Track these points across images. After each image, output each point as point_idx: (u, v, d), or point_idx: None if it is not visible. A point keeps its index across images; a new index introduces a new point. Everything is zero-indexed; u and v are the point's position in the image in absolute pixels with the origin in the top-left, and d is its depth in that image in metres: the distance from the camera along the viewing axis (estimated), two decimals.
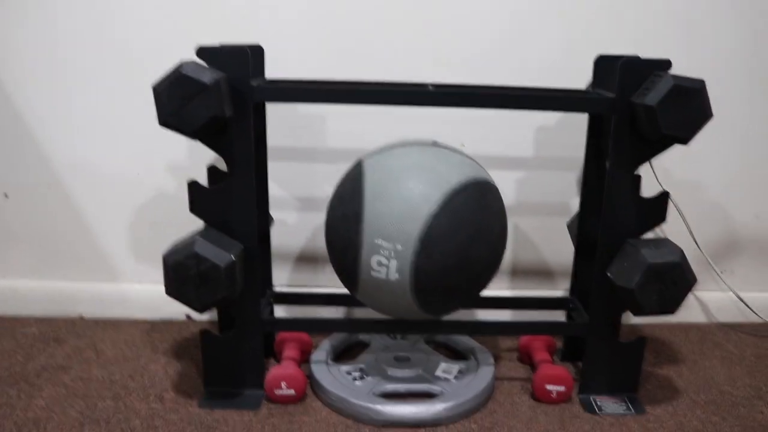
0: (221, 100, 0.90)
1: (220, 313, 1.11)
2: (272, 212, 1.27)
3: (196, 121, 0.90)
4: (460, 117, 1.25)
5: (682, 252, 0.98)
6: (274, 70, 1.19)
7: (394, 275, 0.93)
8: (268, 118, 1.21)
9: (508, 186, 1.29)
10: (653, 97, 0.91)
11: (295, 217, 1.29)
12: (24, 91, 1.24)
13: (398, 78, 1.22)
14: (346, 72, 1.22)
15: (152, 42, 1.21)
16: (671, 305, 0.99)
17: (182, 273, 0.94)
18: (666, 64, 0.95)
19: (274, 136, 1.24)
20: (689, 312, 1.40)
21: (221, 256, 0.94)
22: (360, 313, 1.31)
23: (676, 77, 0.91)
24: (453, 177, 0.95)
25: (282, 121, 1.24)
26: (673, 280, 0.97)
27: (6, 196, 1.30)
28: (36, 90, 1.24)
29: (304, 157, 1.26)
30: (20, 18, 1.19)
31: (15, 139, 1.26)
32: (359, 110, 1.23)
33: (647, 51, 1.22)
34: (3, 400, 1.05)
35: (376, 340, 1.21)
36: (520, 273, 1.34)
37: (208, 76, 0.89)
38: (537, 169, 1.28)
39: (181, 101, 0.89)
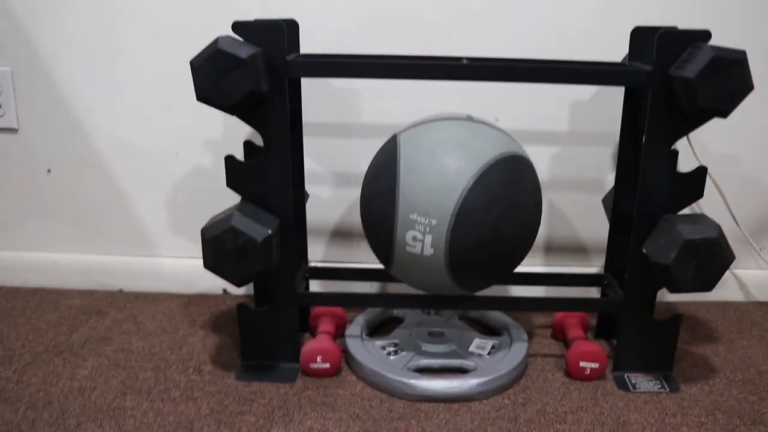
0: (258, 74, 0.90)
1: (256, 288, 1.12)
2: (308, 188, 1.28)
3: (234, 95, 0.91)
4: (495, 91, 1.24)
5: (719, 228, 0.97)
6: (310, 45, 1.20)
7: (429, 250, 0.94)
8: (303, 94, 1.22)
9: (542, 161, 1.28)
10: (692, 69, 0.89)
11: (331, 193, 1.30)
12: (66, 71, 1.26)
13: (432, 52, 1.21)
14: (381, 47, 1.22)
15: (189, 18, 1.22)
16: (708, 282, 0.98)
17: (220, 247, 0.96)
18: (705, 35, 0.93)
19: (309, 112, 1.25)
20: (727, 290, 1.38)
21: (258, 230, 0.96)
22: (394, 288, 1.32)
23: (715, 48, 0.89)
24: (488, 151, 0.95)
25: (317, 97, 1.25)
26: (710, 256, 0.96)
27: (49, 171, 1.33)
28: (78, 69, 1.26)
29: (340, 133, 1.27)
30: None
31: (57, 116, 1.29)
32: (394, 85, 1.23)
33: (687, 22, 1.20)
34: (50, 369, 1.08)
35: (410, 315, 1.22)
36: (554, 249, 1.34)
37: (244, 50, 0.89)
38: (572, 144, 1.27)
39: (218, 76, 0.90)
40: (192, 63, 0.91)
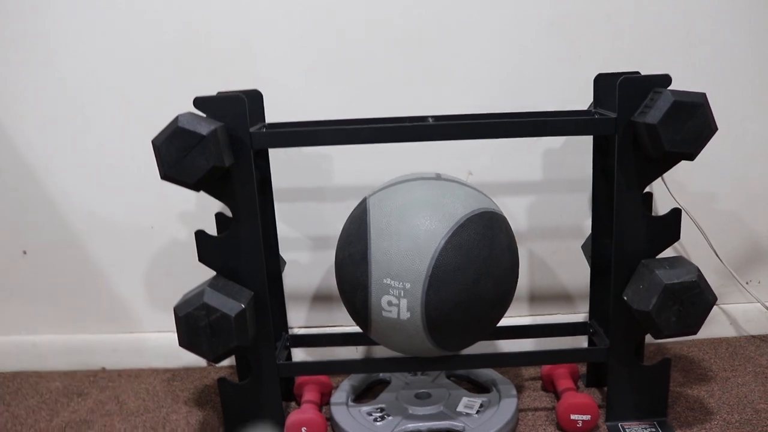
0: (220, 149, 0.90)
1: (238, 360, 1.10)
2: (284, 254, 1.27)
3: (197, 172, 0.90)
4: (467, 145, 1.24)
5: (698, 270, 0.96)
6: (277, 112, 1.20)
7: (405, 314, 0.92)
8: (275, 161, 1.22)
9: (519, 212, 1.27)
10: (654, 115, 0.90)
11: (308, 257, 1.29)
12: (38, 149, 1.26)
13: (399, 110, 1.22)
14: (350, 110, 1.22)
15: (157, 93, 1.22)
16: (692, 326, 0.96)
17: (194, 325, 0.94)
18: (665, 79, 0.94)
19: (281, 178, 1.25)
20: (717, 326, 1.36)
21: (231, 305, 0.94)
22: (380, 350, 1.30)
23: (675, 93, 0.89)
24: (458, 210, 0.94)
25: (289, 162, 1.25)
26: (692, 300, 0.95)
27: (24, 253, 1.32)
28: (50, 146, 1.26)
29: (313, 197, 1.26)
30: (28, 74, 1.22)
31: (31, 196, 1.29)
32: (365, 147, 1.23)
33: (650, 67, 1.20)
34: None
35: (397, 377, 1.20)
36: (539, 299, 1.32)
37: (204, 127, 0.89)
38: (548, 193, 1.27)
39: (180, 154, 0.89)
40: (154, 142, 0.90)
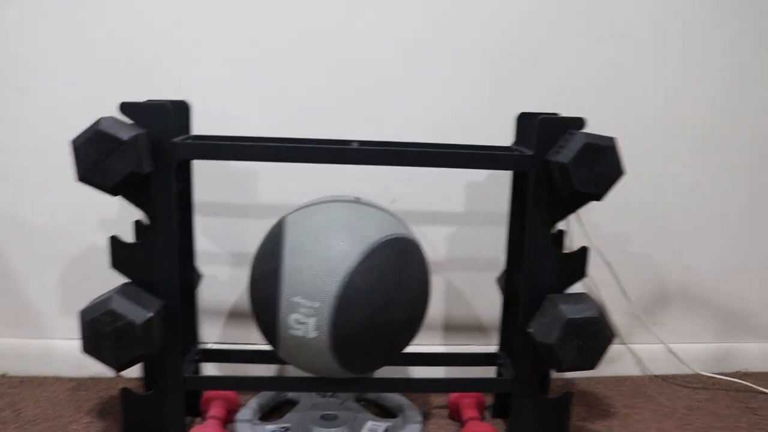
0: (139, 156, 0.90)
1: (145, 372, 1.09)
2: (204, 268, 1.26)
3: (114, 176, 0.89)
4: (392, 172, 1.26)
5: (600, 307, 1.00)
6: (209, 126, 1.20)
7: (312, 333, 0.93)
8: (202, 174, 1.22)
9: (440, 241, 1.30)
10: (566, 154, 0.93)
11: (228, 273, 1.28)
12: None
13: (327, 134, 1.23)
14: (279, 130, 1.23)
15: (83, 97, 1.21)
16: (591, 360, 0.99)
17: (98, 330, 0.92)
18: (579, 122, 0.98)
19: (205, 191, 1.25)
20: (623, 365, 1.41)
21: (138, 312, 0.93)
22: (291, 370, 1.29)
23: (588, 135, 0.93)
24: (373, 233, 0.95)
25: (213, 176, 1.24)
26: (592, 335, 0.98)
27: None
28: None
29: (236, 213, 1.26)
30: None
31: None
32: (291, 167, 1.24)
33: (572, 109, 1.26)
34: None
35: (305, 398, 1.19)
36: (453, 328, 1.34)
37: (126, 132, 0.89)
38: (468, 225, 1.30)
39: (98, 157, 0.89)
40: (73, 142, 0.89)
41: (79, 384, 1.29)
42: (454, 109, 1.26)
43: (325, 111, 1.24)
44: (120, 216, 1.26)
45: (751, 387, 1.36)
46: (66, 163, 1.23)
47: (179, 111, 1.06)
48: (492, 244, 1.31)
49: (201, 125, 1.20)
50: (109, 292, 0.96)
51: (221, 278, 1.28)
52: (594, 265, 1.33)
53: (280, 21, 1.20)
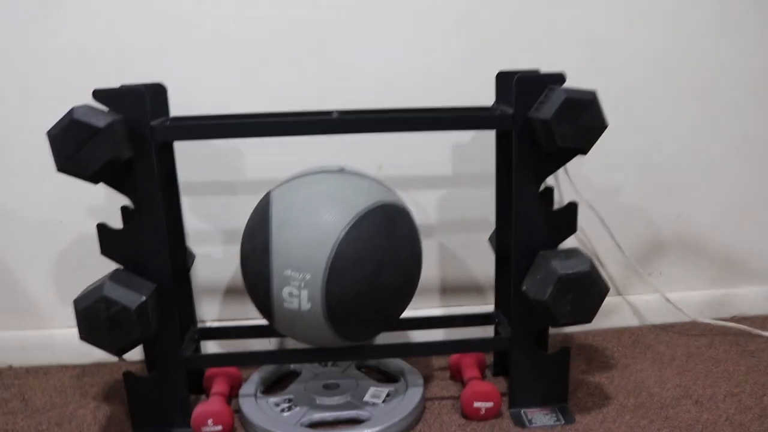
0: (117, 142, 0.89)
1: (146, 355, 1.09)
2: (197, 248, 1.26)
3: (93, 164, 0.89)
4: (377, 140, 1.26)
5: (591, 261, 1.00)
6: (187, 106, 1.20)
7: (306, 305, 0.93)
8: (187, 155, 1.22)
9: (430, 205, 1.30)
10: (547, 110, 0.93)
11: (221, 251, 1.29)
12: None
13: (308, 105, 1.23)
14: (259, 106, 1.23)
15: (68, 84, 1.20)
16: (586, 315, 1.00)
17: (93, 318, 0.93)
18: (559, 77, 0.97)
19: (192, 171, 1.24)
20: (621, 316, 1.42)
21: (131, 297, 0.94)
22: (291, 342, 1.30)
23: (567, 90, 0.93)
24: (360, 202, 0.95)
25: (199, 156, 1.24)
26: (585, 289, 0.98)
27: None
28: None
29: (224, 191, 1.26)
30: None
31: None
32: (274, 141, 1.23)
33: (553, 65, 1.24)
34: None
35: (307, 368, 1.21)
36: (449, 291, 1.35)
37: (101, 119, 0.88)
38: (457, 186, 1.29)
39: (75, 146, 0.88)
40: (49, 134, 0.89)
41: (83, 370, 1.30)
42: (429, 71, 1.24)
43: (303, 84, 1.23)
44: (108, 203, 1.26)
45: (748, 331, 1.37)
46: (48, 153, 1.23)
47: (156, 94, 1.05)
48: (482, 205, 1.31)
49: (178, 107, 1.19)
50: (101, 279, 0.96)
51: (215, 256, 1.29)
52: (586, 219, 1.33)
53: None
